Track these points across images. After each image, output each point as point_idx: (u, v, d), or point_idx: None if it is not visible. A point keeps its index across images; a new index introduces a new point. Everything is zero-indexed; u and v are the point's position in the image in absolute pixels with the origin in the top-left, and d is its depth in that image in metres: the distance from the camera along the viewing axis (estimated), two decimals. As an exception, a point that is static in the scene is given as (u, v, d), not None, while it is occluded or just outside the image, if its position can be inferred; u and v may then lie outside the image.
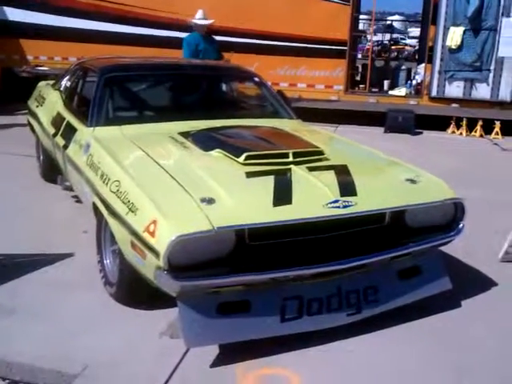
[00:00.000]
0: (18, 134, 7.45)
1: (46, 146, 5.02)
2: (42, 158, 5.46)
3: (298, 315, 2.80)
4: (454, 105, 9.08)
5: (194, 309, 2.62)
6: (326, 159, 3.30)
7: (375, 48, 16.03)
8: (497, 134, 9.05)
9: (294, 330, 2.78)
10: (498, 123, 8.99)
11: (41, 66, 9.87)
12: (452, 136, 9.21)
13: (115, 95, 4.12)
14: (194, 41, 6.96)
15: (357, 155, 3.75)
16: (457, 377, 2.67)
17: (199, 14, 7.12)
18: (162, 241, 2.45)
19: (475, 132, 9.21)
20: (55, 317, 3.06)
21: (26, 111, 5.97)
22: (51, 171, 5.16)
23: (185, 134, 3.64)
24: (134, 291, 3.09)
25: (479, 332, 3.07)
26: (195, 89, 4.69)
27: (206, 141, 3.47)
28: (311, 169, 3.11)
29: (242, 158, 3.11)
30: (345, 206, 2.80)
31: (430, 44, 8.98)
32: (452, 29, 8.63)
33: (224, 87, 5.00)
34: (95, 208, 3.31)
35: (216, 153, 3.28)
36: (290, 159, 3.15)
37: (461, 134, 9.24)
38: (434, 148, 8.00)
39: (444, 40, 8.72)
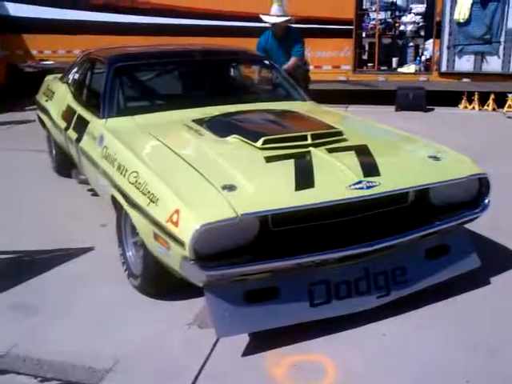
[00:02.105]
0: (27, 130, 7.45)
1: (57, 140, 4.98)
2: (54, 152, 5.43)
3: (326, 300, 2.76)
4: (464, 79, 8.93)
5: (222, 298, 2.58)
6: (345, 140, 3.23)
7: (379, 26, 15.80)
8: (509, 107, 8.90)
9: (323, 314, 2.74)
10: (510, 96, 8.83)
11: (45, 60, 9.82)
12: (464, 111, 9.08)
13: (126, 85, 4.06)
14: (263, 43, 5.75)
15: (375, 134, 3.67)
16: (490, 357, 2.61)
17: (273, 9, 5.58)
18: (187, 230, 2.40)
19: (487, 106, 9.06)
20: (80, 312, 3.04)
21: (35, 106, 5.93)
22: (64, 165, 5.14)
23: (199, 121, 3.58)
24: (159, 283, 3.06)
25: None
26: (206, 75, 4.61)
27: (221, 127, 3.41)
28: (331, 150, 3.04)
29: (259, 143, 3.05)
30: (369, 187, 2.74)
31: (438, 19, 8.82)
32: (460, 2, 8.45)
33: (234, 72, 4.92)
34: (114, 200, 3.27)
35: (232, 139, 3.22)
36: (309, 141, 3.09)
37: (473, 108, 9.10)
38: (447, 124, 7.88)
39: (452, 14, 8.56)
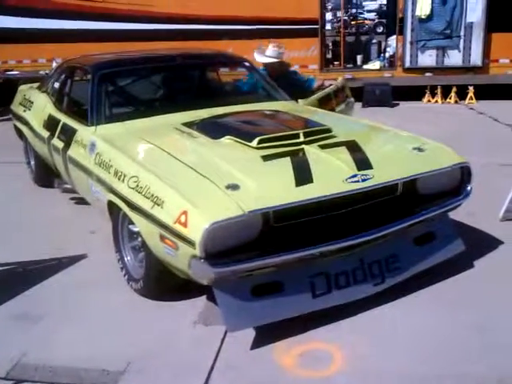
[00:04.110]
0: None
1: (38, 150, 4.94)
2: (33, 162, 5.38)
3: (327, 290, 2.88)
4: (427, 74, 9.25)
5: (231, 294, 2.66)
6: (335, 136, 3.35)
7: (336, 25, 16.18)
8: (471, 98, 9.27)
9: (326, 304, 2.85)
10: (471, 88, 9.20)
11: (10, 71, 9.65)
12: (428, 105, 9.39)
13: (112, 91, 4.09)
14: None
15: (361, 130, 3.82)
16: (481, 335, 2.77)
17: (268, 50, 5.13)
18: (197, 230, 2.47)
19: (450, 99, 9.40)
20: (84, 318, 3.07)
21: (10, 117, 5.86)
22: (44, 175, 5.11)
23: (189, 124, 3.63)
24: (161, 284, 3.11)
25: (496, 289, 3.19)
26: (190, 78, 4.68)
27: (213, 129, 3.48)
28: (323, 146, 3.16)
29: (254, 143, 3.14)
30: (363, 180, 2.87)
31: (400, 15, 9.10)
32: (420, -2, 8.77)
33: (217, 75, 4.99)
34: (110, 206, 3.30)
35: (227, 140, 3.29)
36: (302, 139, 3.20)
37: (436, 101, 9.43)
38: (414, 118, 8.13)
39: (413, 10, 8.86)
